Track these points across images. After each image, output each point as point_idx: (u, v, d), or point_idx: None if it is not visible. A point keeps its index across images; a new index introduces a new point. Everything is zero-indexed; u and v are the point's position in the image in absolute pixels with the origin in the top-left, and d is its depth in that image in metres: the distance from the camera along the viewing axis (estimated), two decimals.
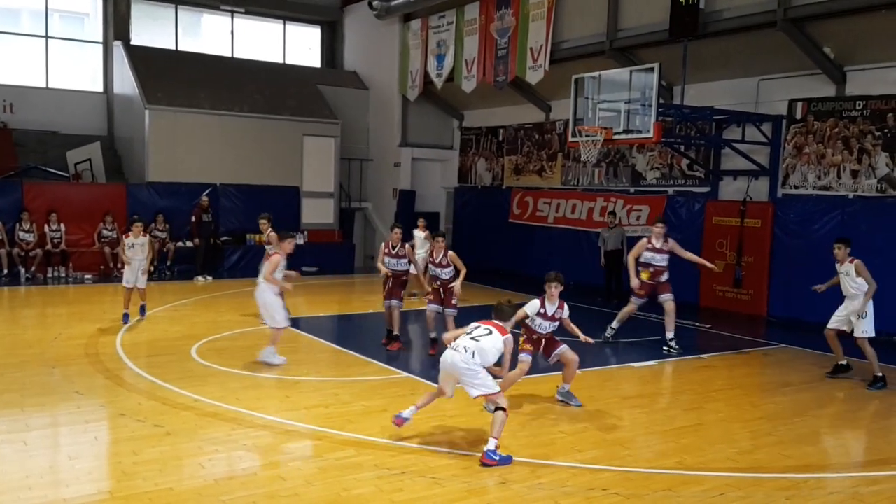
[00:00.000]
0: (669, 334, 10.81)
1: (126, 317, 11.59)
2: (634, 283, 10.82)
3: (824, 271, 12.90)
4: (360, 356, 10.07)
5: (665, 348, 10.75)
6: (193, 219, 17.60)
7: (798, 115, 13.73)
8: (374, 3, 20.48)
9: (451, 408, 7.80)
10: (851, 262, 9.33)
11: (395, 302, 10.54)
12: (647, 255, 10.85)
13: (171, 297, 14.03)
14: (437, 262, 10.29)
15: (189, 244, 17.74)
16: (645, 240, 11.04)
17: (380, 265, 10.66)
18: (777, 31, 12.83)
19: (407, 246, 10.77)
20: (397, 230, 10.70)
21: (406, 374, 9.13)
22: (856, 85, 13.05)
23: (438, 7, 19.45)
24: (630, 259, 11.01)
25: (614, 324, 11.22)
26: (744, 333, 12.48)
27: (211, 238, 17.91)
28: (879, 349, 9.33)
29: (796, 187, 13.81)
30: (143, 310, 12.08)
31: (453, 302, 10.04)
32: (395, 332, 10.56)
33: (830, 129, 13.26)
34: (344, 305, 14.86)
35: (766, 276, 13.98)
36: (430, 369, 9.37)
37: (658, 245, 10.86)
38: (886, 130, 12.50)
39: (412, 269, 11.10)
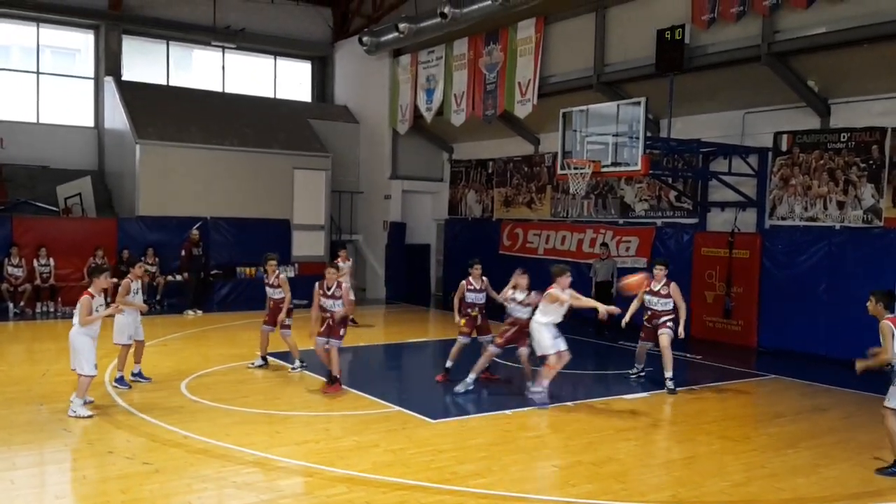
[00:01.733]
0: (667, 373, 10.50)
1: (124, 380, 9.85)
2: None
3: (813, 302, 13.11)
4: (350, 390, 10.01)
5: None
6: (183, 252, 17.56)
7: (784, 148, 13.90)
8: (364, 39, 20.69)
9: (442, 442, 7.77)
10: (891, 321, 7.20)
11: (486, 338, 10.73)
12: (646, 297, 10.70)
13: (160, 332, 13.94)
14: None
15: (179, 278, 17.68)
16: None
17: (457, 301, 10.74)
18: (761, 66, 13.04)
19: (485, 280, 10.80)
20: (478, 266, 10.73)
21: (398, 409, 9.06)
22: (840, 117, 13.24)
23: (428, 42, 19.67)
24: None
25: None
26: (734, 364, 12.49)
27: (201, 272, 17.86)
28: (868, 380, 9.21)
29: (783, 218, 13.94)
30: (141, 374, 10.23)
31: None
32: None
33: (816, 160, 13.42)
34: None
35: (755, 306, 14.03)
36: (422, 403, 9.35)
37: (656, 288, 10.66)
38: (871, 162, 12.66)
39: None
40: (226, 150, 19.21)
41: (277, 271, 11.27)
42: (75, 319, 8.45)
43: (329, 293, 9.99)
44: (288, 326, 11.17)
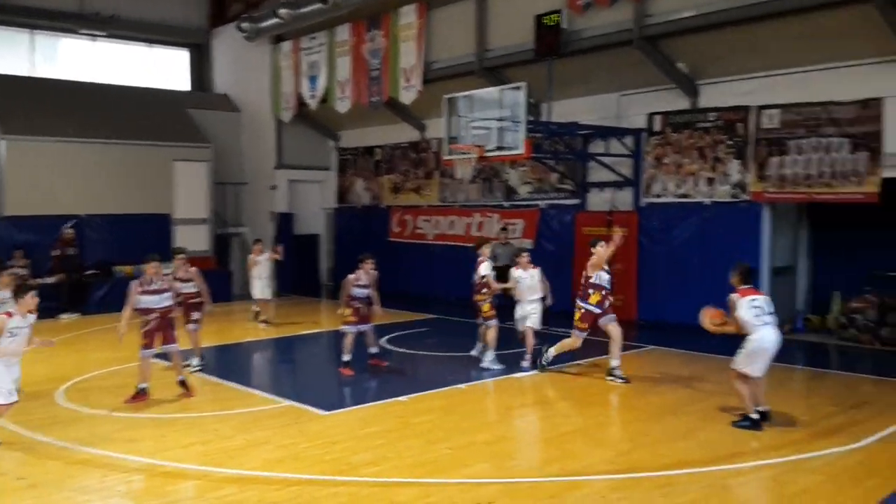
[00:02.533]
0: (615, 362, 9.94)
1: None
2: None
3: (687, 275, 13.77)
4: (240, 388, 9.80)
5: (609, 378, 9.90)
6: (57, 252, 16.66)
7: (657, 128, 14.49)
8: (243, 25, 20.11)
9: (335, 434, 7.72)
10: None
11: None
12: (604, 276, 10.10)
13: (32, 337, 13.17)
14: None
15: (52, 280, 16.74)
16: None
17: (345, 297, 10.51)
18: (633, 49, 13.50)
19: (375, 274, 10.62)
20: (370, 261, 10.53)
21: (289, 403, 8.92)
22: (708, 98, 13.90)
23: (309, 28, 19.32)
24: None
25: (552, 350, 10.33)
26: None
27: (76, 272, 17.00)
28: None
29: (658, 196, 14.54)
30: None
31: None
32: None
33: (686, 139, 14.06)
34: (223, 335, 14.38)
35: (634, 281, 14.61)
36: (315, 395, 9.26)
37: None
38: (737, 139, 13.38)
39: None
40: (99, 143, 18.29)
41: (186, 264, 10.96)
42: None
43: (150, 288, 9.20)
44: (197, 321, 10.94)
